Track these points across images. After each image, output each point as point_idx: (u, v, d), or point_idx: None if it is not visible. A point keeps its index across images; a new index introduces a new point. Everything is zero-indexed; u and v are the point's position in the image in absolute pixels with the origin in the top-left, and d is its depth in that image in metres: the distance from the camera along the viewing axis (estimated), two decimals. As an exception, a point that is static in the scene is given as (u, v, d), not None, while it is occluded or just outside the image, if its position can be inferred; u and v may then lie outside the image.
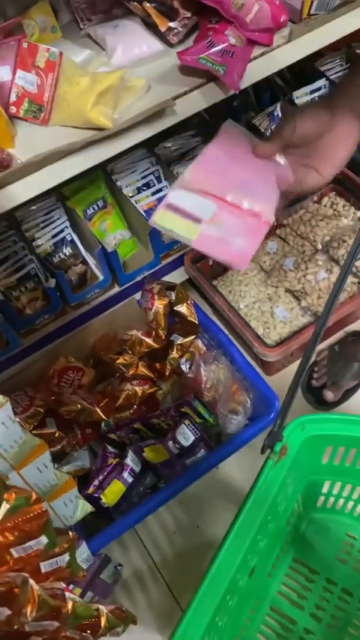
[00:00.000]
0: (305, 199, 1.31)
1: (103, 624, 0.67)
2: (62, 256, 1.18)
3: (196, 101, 0.92)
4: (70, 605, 0.56)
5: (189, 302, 1.16)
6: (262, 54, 0.95)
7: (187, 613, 0.69)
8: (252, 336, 1.09)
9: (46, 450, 0.73)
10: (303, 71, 1.39)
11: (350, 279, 1.21)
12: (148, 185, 1.24)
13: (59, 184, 0.86)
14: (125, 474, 1.04)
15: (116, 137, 0.86)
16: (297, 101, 1.35)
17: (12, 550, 0.53)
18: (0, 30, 0.85)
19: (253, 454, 1.05)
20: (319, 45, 0.98)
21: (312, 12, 0.96)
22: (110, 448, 1.09)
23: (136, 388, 1.09)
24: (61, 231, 1.18)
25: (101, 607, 0.67)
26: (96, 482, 1.03)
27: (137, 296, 1.23)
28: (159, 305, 1.13)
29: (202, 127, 1.34)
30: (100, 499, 1.02)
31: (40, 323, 1.16)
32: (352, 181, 1.30)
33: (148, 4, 0.93)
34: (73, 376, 1.13)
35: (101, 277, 1.19)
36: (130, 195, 1.23)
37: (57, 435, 1.04)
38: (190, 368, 1.14)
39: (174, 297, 1.15)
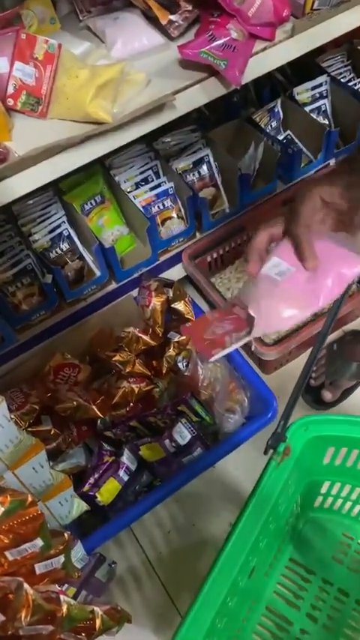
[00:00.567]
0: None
1: (97, 626, 0.66)
2: (59, 252, 1.16)
3: (197, 96, 0.90)
4: (64, 608, 0.55)
5: (186, 299, 1.15)
6: (264, 49, 0.94)
7: (188, 617, 0.68)
8: (250, 335, 1.08)
9: (42, 450, 0.72)
10: (304, 67, 1.38)
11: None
12: (146, 180, 1.23)
13: (57, 179, 0.85)
14: (121, 472, 1.03)
15: (115, 132, 0.84)
16: (298, 97, 1.34)
17: (7, 553, 0.52)
18: (-2, 20, 0.84)
19: (250, 452, 1.05)
20: (322, 40, 0.97)
21: (315, 7, 0.95)
22: (106, 446, 1.08)
23: (133, 386, 1.08)
24: (58, 226, 1.16)
25: (96, 608, 0.67)
26: (91, 481, 1.02)
27: (134, 293, 1.22)
28: (156, 302, 1.12)
29: (202, 122, 1.33)
30: (96, 497, 1.01)
31: (36, 319, 1.14)
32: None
33: (148, -3, 0.92)
34: (69, 373, 1.12)
35: (98, 273, 1.18)
36: (129, 190, 1.21)
37: (52, 432, 1.03)
38: (187, 366, 1.13)
39: (171, 295, 1.14)
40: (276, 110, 1.33)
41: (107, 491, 1.02)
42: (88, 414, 1.04)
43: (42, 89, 0.85)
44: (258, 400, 1.07)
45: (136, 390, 1.08)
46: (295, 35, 0.95)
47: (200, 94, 0.90)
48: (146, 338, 1.11)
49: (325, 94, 1.36)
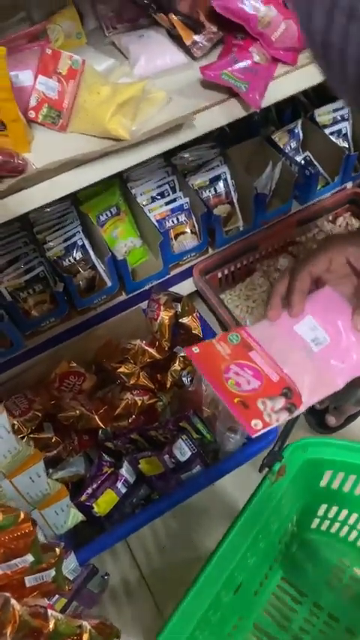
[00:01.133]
0: (320, 218, 1.30)
1: (85, 641, 0.67)
2: (72, 260, 1.17)
3: (216, 116, 0.91)
4: (51, 624, 0.56)
5: (194, 315, 1.15)
6: (286, 73, 0.94)
7: (168, 624, 0.69)
8: (256, 355, 1.08)
9: (40, 460, 0.73)
10: (327, 89, 1.37)
11: None
12: (162, 194, 1.24)
13: (74, 188, 0.86)
14: (119, 484, 1.03)
15: (133, 149, 0.85)
16: (318, 119, 1.34)
17: (-4, 566, 0.53)
18: (25, 35, 0.85)
19: (250, 474, 1.05)
20: (344, 68, 0.97)
21: (339, 34, 0.95)
22: (106, 457, 1.09)
23: (136, 398, 1.09)
24: (73, 235, 1.18)
25: (84, 623, 0.67)
26: (89, 491, 1.03)
27: (144, 305, 1.23)
28: (164, 316, 1.12)
29: (221, 139, 1.33)
30: (92, 508, 1.01)
31: (45, 325, 1.16)
32: (369, 203, 1.29)
33: (174, 16, 0.93)
34: (74, 381, 1.13)
35: (109, 284, 1.19)
36: (144, 203, 1.22)
37: (54, 440, 1.04)
38: (191, 381, 1.14)
39: (180, 309, 1.15)
40: (296, 131, 1.33)
41: (104, 502, 1.02)
42: (90, 424, 1.05)
43: (64, 103, 0.86)
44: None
45: (139, 402, 1.09)
46: (317, 61, 0.95)
47: (220, 115, 0.91)
48: (152, 351, 1.11)
49: (346, 117, 1.36)
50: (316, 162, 1.35)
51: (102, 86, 0.84)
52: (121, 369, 1.09)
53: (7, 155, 0.79)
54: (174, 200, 1.23)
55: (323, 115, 1.35)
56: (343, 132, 1.36)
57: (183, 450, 1.02)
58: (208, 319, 1.24)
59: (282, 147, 1.31)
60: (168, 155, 1.25)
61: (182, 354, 1.15)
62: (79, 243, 1.17)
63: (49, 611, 0.57)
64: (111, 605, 1.07)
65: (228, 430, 1.06)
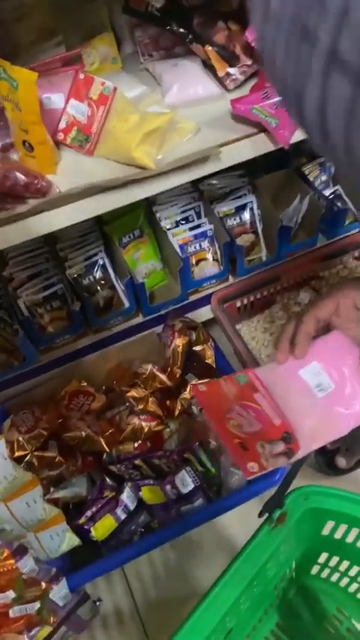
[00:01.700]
0: (346, 254, 1.28)
1: None
2: (92, 279, 1.18)
3: (244, 150, 0.90)
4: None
5: (209, 344, 1.14)
6: (318, 110, 0.93)
7: None
8: (268, 390, 1.06)
9: (37, 486, 0.72)
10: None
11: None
12: (187, 220, 1.23)
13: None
14: (119, 510, 1.02)
15: (157, 178, 0.85)
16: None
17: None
18: (60, 59, 0.86)
19: (252, 513, 1.02)
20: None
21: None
22: (108, 480, 1.08)
23: (143, 423, 1.08)
24: (95, 254, 1.18)
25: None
26: (88, 514, 1.02)
27: (159, 329, 1.22)
28: (178, 343, 1.11)
29: (251, 168, 1.33)
30: (90, 532, 1.00)
31: (59, 342, 1.16)
32: None
33: (210, 48, 0.93)
34: (83, 400, 1.12)
35: (127, 305, 1.18)
36: (168, 227, 1.22)
37: (57, 459, 1.03)
38: (200, 411, 1.12)
39: (194, 337, 1.14)
40: (327, 165, 1.32)
41: (102, 527, 1.01)
42: (95, 447, 1.04)
43: (92, 128, 0.87)
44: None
45: (146, 428, 1.08)
46: (351, 100, 0.94)
47: (247, 149, 0.90)
48: (163, 377, 1.10)
49: (379, 154, 1.34)
50: (345, 198, 1.33)
51: (130, 114, 0.84)
52: (131, 393, 1.08)
53: (31, 177, 0.80)
54: (198, 226, 1.22)
55: (356, 150, 1.33)
56: (376, 168, 1.34)
57: (186, 482, 1.00)
58: (224, 348, 1.23)
59: (312, 180, 1.30)
60: (196, 181, 1.24)
61: (193, 383, 1.14)
62: (100, 262, 1.18)
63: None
64: (101, 632, 1.05)
65: (233, 465, 1.04)
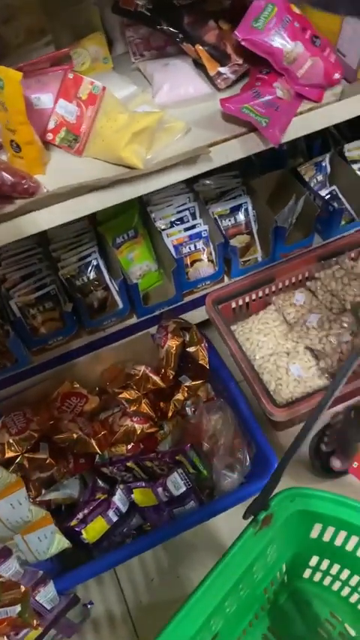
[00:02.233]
0: (342, 255, 1.26)
1: None
2: (85, 280, 1.17)
3: (234, 150, 0.90)
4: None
5: (202, 345, 1.13)
6: (310, 109, 0.93)
7: None
8: (261, 392, 1.05)
9: (22, 488, 0.72)
10: (359, 124, 1.35)
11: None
12: (181, 220, 1.23)
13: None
14: (110, 512, 1.01)
15: (146, 177, 0.84)
16: (347, 154, 1.31)
17: None
18: (49, 59, 0.86)
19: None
20: (371, 107, 0.95)
21: (367, 73, 0.93)
22: (100, 482, 1.07)
23: (136, 425, 1.07)
24: (89, 255, 1.18)
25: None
26: (80, 516, 1.01)
27: (154, 330, 1.21)
28: (171, 344, 1.11)
29: (247, 167, 1.32)
30: (82, 534, 0.99)
31: (52, 343, 1.15)
32: (393, 243, 1.25)
33: (200, 47, 0.93)
34: (75, 402, 1.12)
35: (120, 306, 1.18)
36: (163, 228, 1.22)
37: (48, 461, 1.02)
38: (194, 412, 1.11)
39: (188, 338, 1.13)
40: (323, 164, 1.31)
41: (93, 530, 1.00)
42: (86, 448, 1.04)
43: (81, 128, 0.86)
44: (260, 460, 1.03)
45: (139, 430, 1.07)
46: (343, 99, 0.93)
47: (238, 149, 0.90)
48: (156, 378, 1.09)
49: (377, 154, 1.33)
50: (342, 198, 1.32)
51: (119, 114, 0.83)
52: (123, 395, 1.07)
53: (19, 177, 0.80)
54: (193, 227, 1.22)
55: (353, 150, 1.32)
56: (373, 168, 1.33)
57: (177, 484, 1.00)
58: (220, 348, 1.22)
59: (307, 180, 1.29)
60: (190, 181, 1.24)
61: (187, 384, 1.13)
62: (94, 263, 1.17)
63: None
64: (92, 635, 1.04)
65: (225, 468, 1.03)
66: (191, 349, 1.13)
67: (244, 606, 0.85)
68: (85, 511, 1.02)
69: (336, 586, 0.96)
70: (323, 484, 1.16)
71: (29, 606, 0.64)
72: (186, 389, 1.12)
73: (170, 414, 1.11)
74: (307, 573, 0.97)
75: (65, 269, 1.16)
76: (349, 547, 0.84)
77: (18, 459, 0.99)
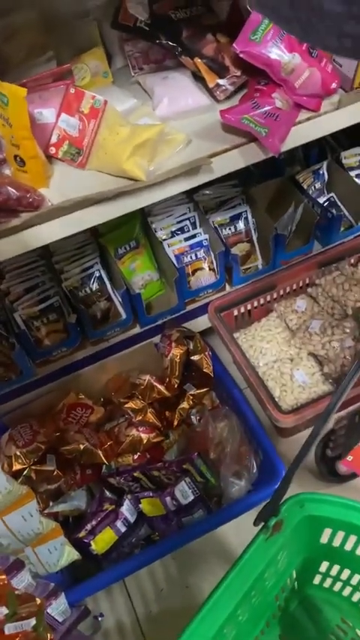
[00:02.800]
0: (342, 261, 1.28)
1: None
2: (88, 291, 1.18)
3: (235, 160, 0.91)
4: None
5: (206, 353, 1.14)
6: (308, 119, 0.94)
7: None
8: (266, 398, 1.06)
9: (33, 500, 0.72)
10: (355, 131, 1.36)
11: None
12: (182, 230, 1.24)
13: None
14: (118, 523, 1.01)
15: (148, 189, 0.85)
16: (344, 162, 1.33)
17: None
18: (50, 74, 0.87)
19: (254, 519, 1.02)
20: (368, 115, 0.97)
21: (364, 82, 0.94)
22: (108, 493, 1.07)
23: (142, 435, 1.07)
24: (91, 266, 1.18)
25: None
26: (88, 527, 1.01)
27: (157, 339, 1.22)
28: (175, 353, 1.11)
29: (246, 176, 1.33)
30: (90, 545, 0.99)
31: (56, 355, 1.16)
32: (393, 248, 1.26)
33: (199, 60, 0.94)
34: (81, 413, 1.12)
35: (123, 316, 1.18)
36: (164, 238, 1.23)
37: (55, 473, 1.03)
38: (199, 421, 1.12)
39: (192, 347, 1.14)
40: (321, 172, 1.32)
41: (102, 541, 1.01)
42: (93, 459, 1.04)
43: (84, 141, 0.87)
44: (267, 467, 1.04)
45: (145, 439, 1.07)
46: (341, 108, 0.95)
47: (238, 159, 0.91)
48: (161, 387, 1.10)
49: (373, 160, 1.34)
50: (340, 204, 1.33)
51: (121, 127, 0.84)
52: (129, 405, 1.08)
53: (23, 191, 0.81)
54: (194, 236, 1.23)
55: (350, 157, 1.33)
56: (370, 174, 1.34)
57: (185, 493, 1.00)
58: (222, 357, 1.23)
59: (306, 188, 1.30)
60: (190, 191, 1.25)
61: (192, 392, 1.13)
62: (97, 274, 1.18)
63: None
64: (103, 647, 1.04)
65: (233, 475, 1.04)
66: (195, 357, 1.13)
67: (256, 614, 0.85)
68: (94, 522, 1.02)
69: (347, 591, 0.96)
70: (330, 489, 1.17)
71: (44, 619, 0.64)
72: (191, 397, 1.13)
73: (176, 422, 1.11)
74: (317, 579, 0.97)
75: (68, 281, 1.17)
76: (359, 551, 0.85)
77: (25, 472, 1.00)
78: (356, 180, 1.31)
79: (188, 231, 1.24)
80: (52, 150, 0.89)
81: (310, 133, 0.95)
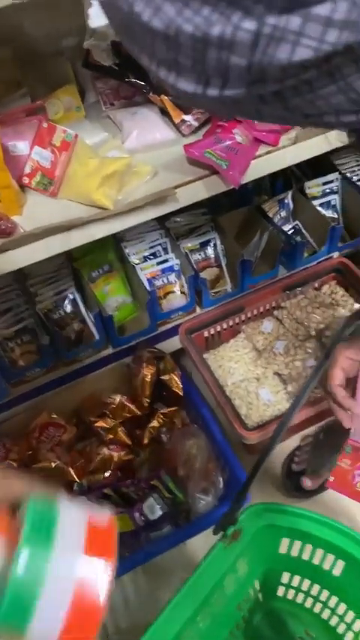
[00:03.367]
0: (306, 285, 1.34)
1: None
2: (62, 313, 1.22)
3: (198, 191, 0.97)
4: None
5: (176, 372, 1.18)
6: (268, 152, 1.01)
7: None
8: (232, 416, 1.10)
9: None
10: (318, 163, 1.44)
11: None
12: (154, 255, 1.29)
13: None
14: (89, 539, 1.04)
15: (116, 217, 0.91)
16: (308, 191, 1.40)
17: None
18: (24, 110, 0.93)
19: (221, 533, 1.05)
20: (322, 150, 1.04)
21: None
22: (79, 510, 1.10)
23: (113, 453, 1.11)
24: (65, 289, 1.23)
25: None
26: (59, 543, 1.03)
27: (129, 359, 1.26)
28: (146, 373, 1.15)
29: (215, 204, 1.40)
30: (60, 561, 1.01)
31: (30, 375, 1.19)
32: (353, 273, 1.33)
33: (166, 97, 1.00)
34: (54, 432, 1.15)
35: (97, 337, 1.23)
36: (137, 262, 1.28)
37: (27, 490, 1.05)
38: (169, 439, 1.16)
39: (162, 367, 1.18)
40: (286, 201, 1.39)
41: (73, 557, 1.03)
42: (64, 477, 1.07)
43: (55, 172, 0.93)
44: (234, 483, 1.08)
45: (116, 457, 1.11)
46: (298, 143, 1.01)
47: (201, 190, 0.97)
48: (132, 406, 1.14)
49: (335, 190, 1.42)
50: (304, 232, 1.40)
51: (90, 159, 0.90)
52: (99, 424, 1.11)
53: (-3, 218, 0.85)
54: (165, 261, 1.28)
55: (313, 187, 1.41)
56: (332, 203, 1.42)
57: (154, 509, 1.03)
58: (195, 375, 1.27)
59: (272, 216, 1.37)
60: (162, 219, 1.31)
61: (162, 411, 1.17)
62: (71, 297, 1.22)
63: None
64: (73, 663, 1.05)
65: (200, 491, 1.07)
66: (165, 377, 1.18)
67: (218, 622, 0.88)
68: (64, 539, 1.04)
69: (309, 603, 0.99)
70: (298, 504, 1.20)
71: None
72: (161, 416, 1.17)
73: (146, 440, 1.15)
74: (280, 591, 1.00)
75: (42, 303, 1.21)
76: (316, 560, 0.88)
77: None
78: (319, 209, 1.38)
79: (160, 256, 1.29)
80: (26, 180, 0.95)
81: (270, 166, 1.01)
